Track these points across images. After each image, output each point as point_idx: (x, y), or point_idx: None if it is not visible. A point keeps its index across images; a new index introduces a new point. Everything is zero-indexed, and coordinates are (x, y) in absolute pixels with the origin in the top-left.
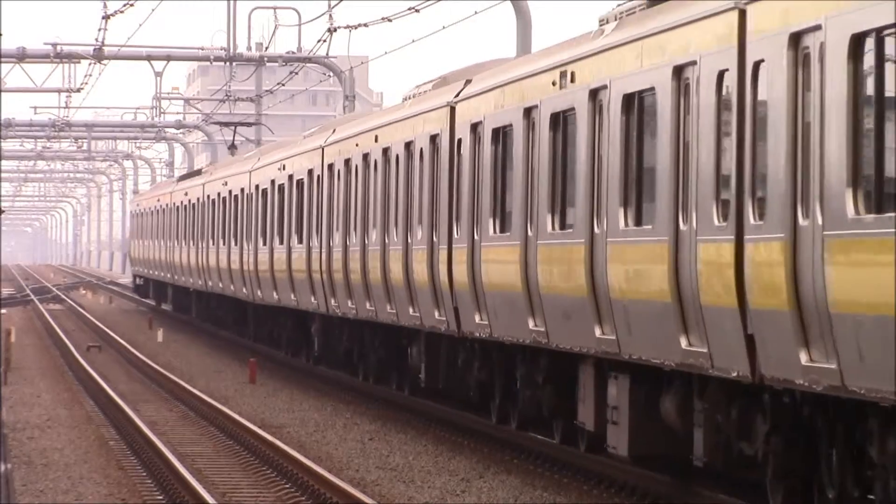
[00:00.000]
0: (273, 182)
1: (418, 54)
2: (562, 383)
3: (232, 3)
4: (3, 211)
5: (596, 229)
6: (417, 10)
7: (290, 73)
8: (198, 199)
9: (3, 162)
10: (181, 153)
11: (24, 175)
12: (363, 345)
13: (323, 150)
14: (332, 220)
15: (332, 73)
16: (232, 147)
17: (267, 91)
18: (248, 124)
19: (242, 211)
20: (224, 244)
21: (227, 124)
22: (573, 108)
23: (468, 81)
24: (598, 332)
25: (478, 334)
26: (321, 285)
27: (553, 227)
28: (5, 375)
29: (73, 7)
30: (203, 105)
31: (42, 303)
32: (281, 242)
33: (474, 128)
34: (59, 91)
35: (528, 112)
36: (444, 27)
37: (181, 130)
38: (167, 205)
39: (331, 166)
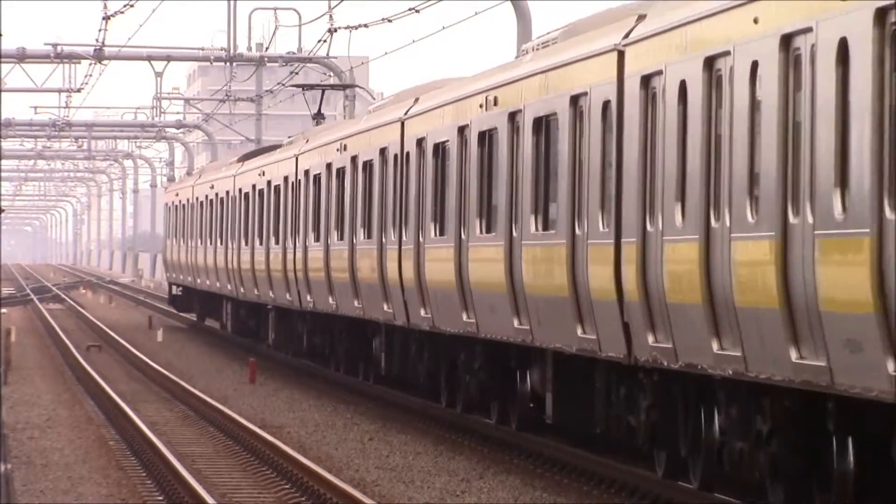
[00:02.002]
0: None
1: (418, 54)
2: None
3: (232, 3)
4: (4, 210)
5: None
6: (417, 11)
7: (291, 73)
8: (275, 184)
9: (4, 161)
10: (181, 153)
11: (25, 174)
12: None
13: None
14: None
15: (332, 74)
16: (318, 115)
17: (267, 91)
18: (342, 87)
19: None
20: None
21: (315, 86)
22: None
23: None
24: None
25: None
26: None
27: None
28: (5, 375)
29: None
30: (203, 105)
31: (42, 302)
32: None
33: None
34: (59, 91)
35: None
36: (444, 27)
37: (181, 130)
38: (223, 193)
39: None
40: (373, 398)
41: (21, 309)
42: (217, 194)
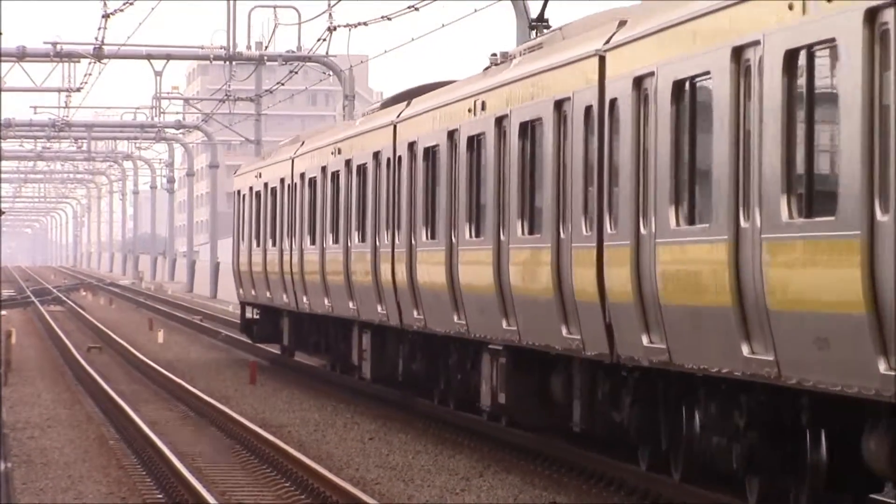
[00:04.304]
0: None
1: (418, 53)
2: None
3: (232, 2)
4: (3, 212)
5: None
6: (417, 9)
7: (290, 72)
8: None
9: (3, 163)
10: (181, 154)
11: (24, 176)
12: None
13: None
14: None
15: (331, 73)
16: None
17: (267, 90)
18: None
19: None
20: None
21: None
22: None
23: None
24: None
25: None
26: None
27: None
28: (6, 376)
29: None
30: (203, 105)
31: (42, 304)
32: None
33: (411, 146)
34: (58, 90)
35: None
36: (443, 26)
37: (181, 130)
38: (340, 166)
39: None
40: (373, 398)
41: (21, 311)
42: (328, 167)
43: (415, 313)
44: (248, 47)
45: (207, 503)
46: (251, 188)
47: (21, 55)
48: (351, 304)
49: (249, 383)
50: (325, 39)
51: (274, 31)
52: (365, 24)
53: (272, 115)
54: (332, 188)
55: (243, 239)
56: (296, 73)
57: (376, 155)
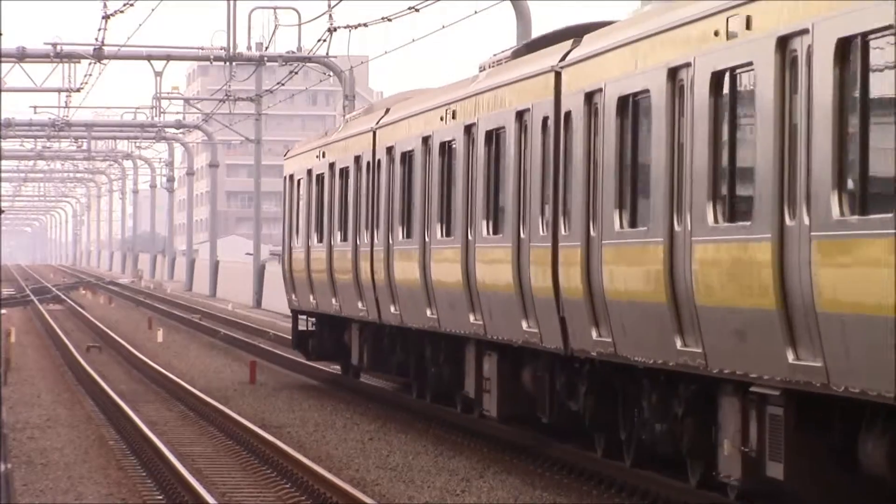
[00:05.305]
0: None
1: (418, 54)
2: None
3: (232, 2)
4: (3, 211)
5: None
6: (417, 10)
7: (290, 72)
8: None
9: (3, 162)
10: (181, 153)
11: (24, 175)
12: None
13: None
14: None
15: (332, 73)
16: None
17: (267, 91)
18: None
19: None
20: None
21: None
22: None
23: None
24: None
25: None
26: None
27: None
28: (5, 375)
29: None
30: (203, 105)
31: (42, 303)
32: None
33: (389, 150)
34: (59, 91)
35: (425, 140)
36: (443, 27)
37: (181, 130)
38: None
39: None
40: (373, 398)
41: (21, 310)
42: (434, 138)
43: (594, 333)
44: (249, 48)
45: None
46: (310, 171)
47: (21, 56)
48: (473, 317)
49: (249, 383)
50: (325, 40)
51: (274, 31)
52: (365, 24)
53: (272, 115)
54: (442, 163)
55: (297, 234)
56: (296, 73)
57: (520, 115)
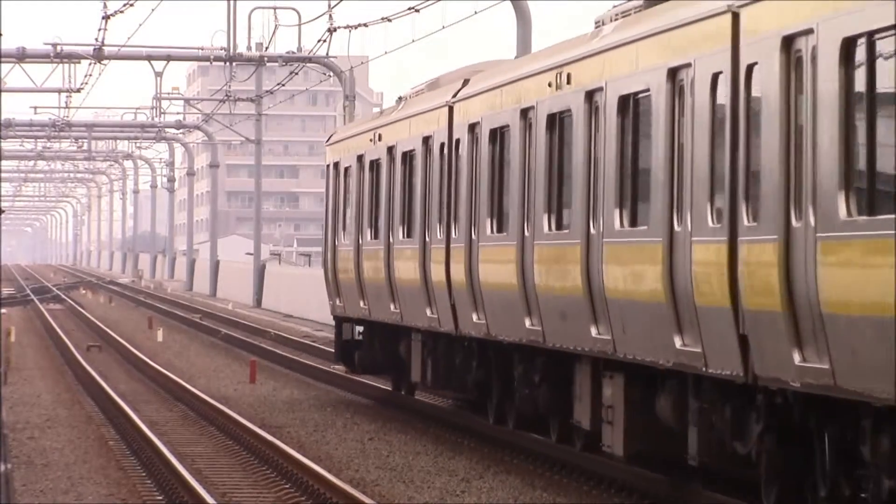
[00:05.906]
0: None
1: (418, 54)
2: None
3: (232, 3)
4: (4, 211)
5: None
6: (417, 10)
7: (290, 73)
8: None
9: (3, 162)
10: (181, 153)
11: (25, 175)
12: None
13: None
14: None
15: (332, 74)
16: None
17: (267, 91)
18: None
19: None
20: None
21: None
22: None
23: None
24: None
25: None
26: None
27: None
28: (5, 375)
29: (73, 7)
30: (203, 105)
31: (42, 303)
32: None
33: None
34: (59, 91)
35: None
36: (443, 27)
37: (181, 130)
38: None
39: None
40: (373, 398)
41: (21, 309)
42: (538, 111)
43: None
44: (249, 48)
45: None
46: (360, 157)
47: (21, 56)
48: (595, 330)
49: (249, 383)
50: (325, 40)
51: (274, 32)
52: (365, 25)
53: (272, 115)
54: (550, 140)
55: (345, 230)
56: (296, 73)
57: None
